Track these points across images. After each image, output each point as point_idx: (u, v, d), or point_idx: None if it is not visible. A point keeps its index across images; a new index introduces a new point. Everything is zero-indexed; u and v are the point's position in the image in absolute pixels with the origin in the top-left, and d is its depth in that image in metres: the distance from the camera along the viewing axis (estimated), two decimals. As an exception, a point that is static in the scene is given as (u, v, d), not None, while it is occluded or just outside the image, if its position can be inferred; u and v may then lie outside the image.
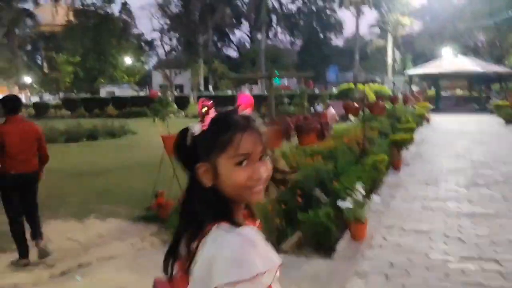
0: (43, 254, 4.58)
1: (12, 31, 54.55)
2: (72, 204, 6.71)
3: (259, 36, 55.69)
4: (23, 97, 55.60)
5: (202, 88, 52.63)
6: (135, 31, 60.44)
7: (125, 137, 16.73)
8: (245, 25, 64.75)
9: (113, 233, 5.33)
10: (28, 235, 4.63)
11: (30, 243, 4.61)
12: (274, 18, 60.98)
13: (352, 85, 22.45)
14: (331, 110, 11.03)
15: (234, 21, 63.02)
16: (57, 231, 5.36)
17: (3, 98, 4.75)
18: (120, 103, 31.52)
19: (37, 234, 4.65)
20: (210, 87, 54.50)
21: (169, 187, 6.45)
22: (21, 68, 57.22)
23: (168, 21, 57.94)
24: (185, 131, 1.05)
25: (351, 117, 15.53)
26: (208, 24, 52.63)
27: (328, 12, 59.79)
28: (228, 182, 1.01)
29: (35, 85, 55.81)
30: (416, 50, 48.30)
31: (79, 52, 49.69)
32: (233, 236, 0.97)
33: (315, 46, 57.76)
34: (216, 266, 0.93)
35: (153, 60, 68.18)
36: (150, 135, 17.00)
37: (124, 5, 54.12)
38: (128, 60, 55.09)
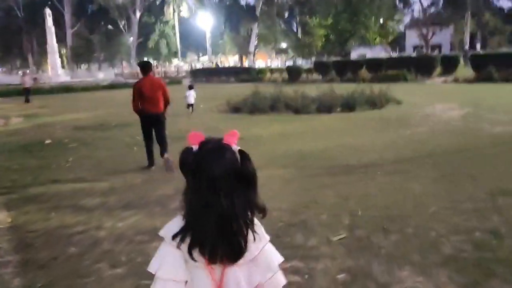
0: (167, 164, 6.38)
1: (272, 0, 56.94)
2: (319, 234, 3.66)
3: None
4: (279, 62, 58.17)
5: (467, 46, 44.54)
6: (388, -13, 55.22)
7: (388, 108, 13.18)
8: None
9: None
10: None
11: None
12: None
13: None
14: None
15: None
16: None
17: (140, 63, 7.13)
18: (374, 65, 27.98)
19: (163, 151, 6.74)
20: (478, 45, 45.80)
21: None
22: (279, 35, 59.80)
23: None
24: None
25: None
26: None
27: None
28: None
29: (290, 50, 57.43)
30: None
31: (332, 14, 48.00)
32: None
33: None
34: None
35: (406, 19, 61.87)
36: (420, 106, 13.14)
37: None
38: (381, 19, 50.91)
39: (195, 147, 1.23)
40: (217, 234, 1.17)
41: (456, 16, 46.56)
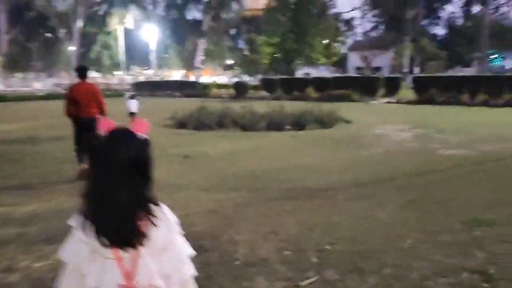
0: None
1: (219, 16, 56.89)
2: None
3: (475, 10, 47.25)
4: (226, 78, 57.79)
5: (406, 70, 46.45)
6: (333, 10, 56.71)
7: (338, 127, 12.96)
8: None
9: None
10: None
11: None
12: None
13: None
14: None
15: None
16: None
17: (76, 67, 7.09)
18: (321, 84, 28.19)
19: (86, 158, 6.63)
20: (416, 69, 47.91)
21: None
22: (225, 51, 59.66)
23: (372, -4, 52.83)
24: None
25: None
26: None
27: None
28: None
29: (236, 67, 57.30)
30: None
31: (278, 33, 48.53)
32: None
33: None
34: None
35: (349, 41, 63.84)
36: (370, 126, 12.94)
37: (325, -17, 50.95)
38: (325, 40, 52.10)
39: (104, 135, 1.23)
40: (113, 220, 1.17)
41: (396, 40, 48.58)
